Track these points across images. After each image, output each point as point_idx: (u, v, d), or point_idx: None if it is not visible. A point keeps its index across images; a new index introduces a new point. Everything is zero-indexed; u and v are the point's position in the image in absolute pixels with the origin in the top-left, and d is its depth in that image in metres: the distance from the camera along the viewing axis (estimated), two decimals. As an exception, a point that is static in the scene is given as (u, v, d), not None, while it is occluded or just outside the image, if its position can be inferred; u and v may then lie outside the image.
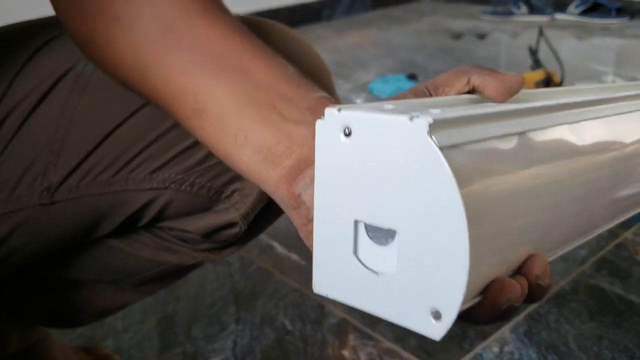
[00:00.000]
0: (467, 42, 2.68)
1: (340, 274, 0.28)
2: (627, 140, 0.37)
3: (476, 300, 0.27)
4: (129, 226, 0.54)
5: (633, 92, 0.39)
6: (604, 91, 0.42)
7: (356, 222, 0.27)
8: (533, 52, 1.91)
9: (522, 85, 0.33)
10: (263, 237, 1.11)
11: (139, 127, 0.49)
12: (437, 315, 0.25)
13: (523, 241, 0.29)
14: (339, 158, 0.27)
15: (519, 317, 0.92)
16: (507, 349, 0.86)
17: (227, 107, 0.35)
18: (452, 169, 0.23)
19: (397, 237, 0.26)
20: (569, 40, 2.61)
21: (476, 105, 0.32)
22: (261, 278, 1.03)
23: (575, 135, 0.32)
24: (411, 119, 0.24)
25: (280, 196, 0.33)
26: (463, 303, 0.24)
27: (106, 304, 0.67)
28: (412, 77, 1.94)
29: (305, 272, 1.04)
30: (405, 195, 0.25)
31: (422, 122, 0.23)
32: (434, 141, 0.23)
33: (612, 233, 1.17)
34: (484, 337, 0.88)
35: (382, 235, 0.27)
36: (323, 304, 0.96)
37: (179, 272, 0.63)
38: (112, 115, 0.49)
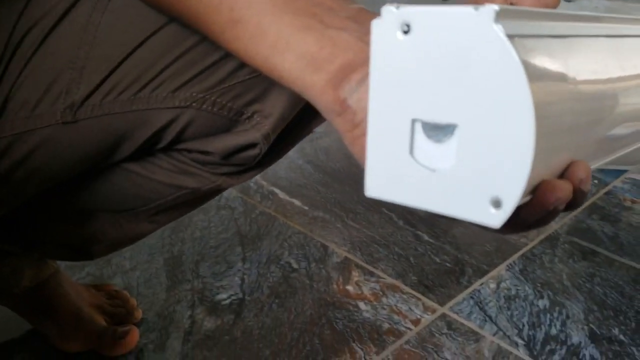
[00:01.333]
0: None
1: (395, 175, 0.29)
2: None
3: (527, 199, 0.28)
4: (148, 150, 0.55)
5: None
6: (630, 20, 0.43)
7: (413, 121, 0.28)
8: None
9: (558, 3, 0.34)
10: (265, 184, 1.13)
11: (160, 46, 0.49)
12: (497, 204, 0.26)
13: (570, 146, 0.29)
14: (396, 57, 0.27)
15: (514, 257, 0.96)
16: (503, 285, 0.90)
17: (265, 15, 0.35)
18: (520, 57, 0.23)
19: (457, 132, 0.26)
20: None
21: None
22: (265, 222, 1.05)
23: (618, 51, 0.33)
24: (476, 8, 0.24)
25: (325, 101, 0.33)
26: (526, 195, 0.25)
27: (121, 234, 0.68)
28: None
29: (308, 216, 1.06)
30: (468, 89, 0.25)
31: (489, 10, 0.24)
32: (501, 29, 0.24)
33: (602, 181, 1.21)
34: (481, 274, 0.92)
35: (438, 133, 0.27)
36: (327, 245, 0.99)
37: (195, 200, 0.64)
38: (134, 33, 0.49)
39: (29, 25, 0.48)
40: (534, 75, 0.24)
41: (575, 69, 0.29)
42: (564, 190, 0.28)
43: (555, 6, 0.35)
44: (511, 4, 0.35)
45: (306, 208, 1.08)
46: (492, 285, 0.89)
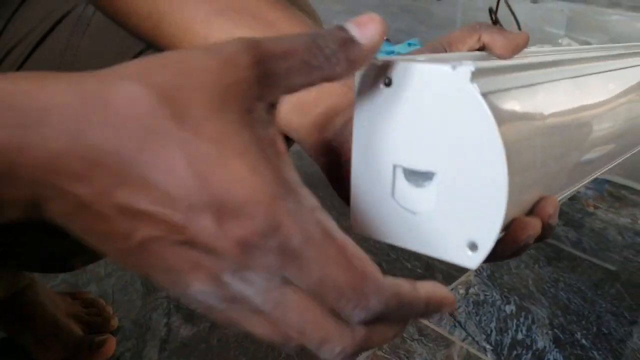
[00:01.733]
0: (427, 2, 2.72)
1: (377, 215, 0.30)
2: (621, 96, 0.41)
3: (501, 235, 0.29)
4: None
5: (624, 51, 0.43)
6: (596, 50, 0.45)
7: (394, 167, 0.29)
8: (493, 13, 1.96)
9: (527, 42, 0.36)
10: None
11: None
12: (473, 247, 0.27)
13: (538, 184, 0.31)
14: (378, 106, 0.29)
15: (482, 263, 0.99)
16: (472, 290, 0.93)
17: None
18: (492, 112, 0.25)
19: (435, 178, 0.28)
20: (524, 3, 2.68)
21: (494, 59, 0.35)
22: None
23: (581, 88, 0.35)
24: (454, 67, 0.26)
25: (310, 142, 0.35)
26: (499, 235, 0.27)
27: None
28: (387, 40, 1.97)
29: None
30: (445, 138, 0.27)
31: (465, 70, 0.26)
32: (476, 88, 0.26)
33: (566, 187, 1.26)
34: (451, 279, 0.95)
35: (418, 178, 0.29)
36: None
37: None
38: (113, 57, 0.50)
39: (8, 48, 0.49)
40: (504, 120, 0.26)
41: (541, 109, 0.31)
42: (534, 227, 0.30)
43: (524, 46, 0.37)
44: (483, 46, 0.37)
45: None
46: (462, 291, 0.93)
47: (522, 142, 0.29)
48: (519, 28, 1.88)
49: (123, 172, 0.20)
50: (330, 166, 0.35)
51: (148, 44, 0.46)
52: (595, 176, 0.41)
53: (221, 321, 0.24)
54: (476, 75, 0.26)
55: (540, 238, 0.32)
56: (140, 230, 0.21)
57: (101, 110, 0.20)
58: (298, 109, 0.35)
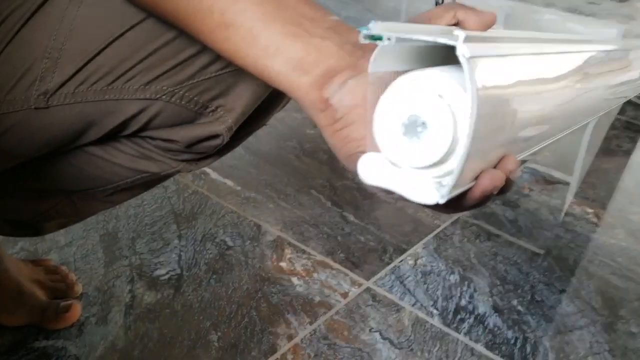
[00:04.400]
0: (374, -8, 2.79)
1: (377, 167, 0.36)
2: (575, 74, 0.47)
3: (470, 185, 0.35)
4: (112, 136, 0.58)
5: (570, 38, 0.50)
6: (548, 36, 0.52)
7: (398, 122, 0.34)
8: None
9: (495, 21, 0.42)
10: (195, 164, 1.16)
11: (135, 40, 0.53)
12: (440, 187, 0.33)
13: (503, 144, 0.37)
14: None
15: (429, 237, 1.06)
16: (420, 262, 1.00)
17: (257, 21, 0.40)
18: (474, 73, 0.30)
19: (424, 133, 0.33)
20: (466, -2, 2.79)
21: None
22: (198, 201, 1.09)
23: (546, 63, 0.41)
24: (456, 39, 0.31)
25: (310, 100, 0.39)
26: (461, 175, 0.33)
27: (73, 212, 0.70)
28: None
29: (241, 197, 1.11)
30: (433, 95, 0.33)
31: (461, 35, 0.31)
32: (466, 51, 0.31)
33: (504, 171, 1.35)
34: (400, 252, 1.01)
35: (412, 135, 0.34)
36: (260, 224, 1.04)
37: (152, 182, 0.68)
38: (110, 27, 0.52)
39: (4, 15, 0.50)
40: (484, 86, 0.32)
41: (514, 81, 0.36)
42: (500, 178, 0.36)
43: (494, 22, 0.42)
44: (458, 22, 0.42)
45: (238, 188, 1.13)
46: (411, 262, 0.99)
47: (497, 104, 0.34)
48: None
49: None
50: (327, 121, 0.39)
51: (148, 15, 0.49)
52: (542, 145, 0.47)
53: None
54: (466, 40, 0.31)
55: (502, 191, 0.38)
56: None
57: None
58: (299, 69, 0.39)
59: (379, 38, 0.34)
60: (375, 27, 0.34)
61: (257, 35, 0.40)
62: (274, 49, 0.40)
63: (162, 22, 0.50)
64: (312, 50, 0.39)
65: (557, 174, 1.35)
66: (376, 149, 0.36)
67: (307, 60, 0.39)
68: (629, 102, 1.91)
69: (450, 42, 0.31)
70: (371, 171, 0.36)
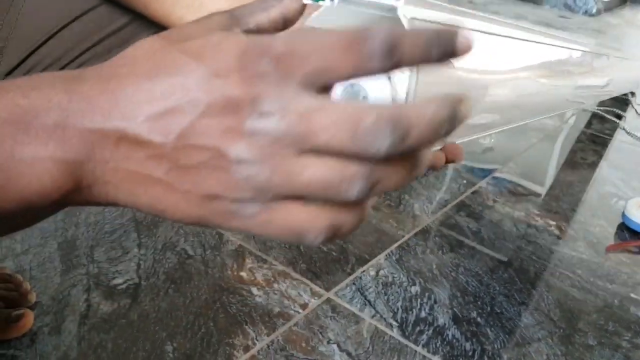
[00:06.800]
0: None
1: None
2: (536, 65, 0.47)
3: None
4: None
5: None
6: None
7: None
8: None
9: None
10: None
11: (83, 29, 0.53)
12: None
13: None
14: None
15: (392, 247, 1.07)
16: (382, 273, 1.00)
17: None
18: None
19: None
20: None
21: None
22: (160, 208, 1.08)
23: (505, 47, 0.41)
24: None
25: None
26: None
27: (27, 218, 0.69)
28: None
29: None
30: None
31: None
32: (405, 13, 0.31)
33: (470, 182, 1.36)
34: (363, 262, 1.01)
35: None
36: (221, 232, 1.04)
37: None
38: (57, 17, 0.52)
39: None
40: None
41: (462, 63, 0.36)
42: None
43: None
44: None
45: (202, 197, 1.12)
46: (372, 273, 0.99)
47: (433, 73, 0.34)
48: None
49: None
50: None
51: (98, 2, 0.49)
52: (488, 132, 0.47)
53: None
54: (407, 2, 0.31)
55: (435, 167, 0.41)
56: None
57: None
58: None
59: None
60: None
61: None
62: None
63: (115, 8, 0.50)
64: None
65: (525, 184, 1.37)
66: None
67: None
68: (594, 115, 1.94)
69: (391, 2, 0.31)
70: None
